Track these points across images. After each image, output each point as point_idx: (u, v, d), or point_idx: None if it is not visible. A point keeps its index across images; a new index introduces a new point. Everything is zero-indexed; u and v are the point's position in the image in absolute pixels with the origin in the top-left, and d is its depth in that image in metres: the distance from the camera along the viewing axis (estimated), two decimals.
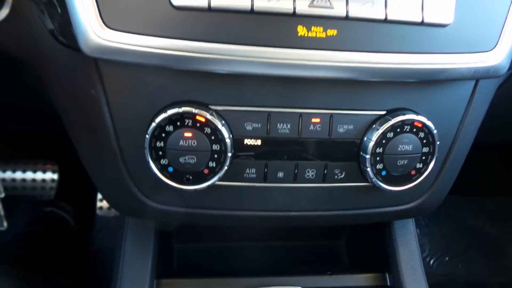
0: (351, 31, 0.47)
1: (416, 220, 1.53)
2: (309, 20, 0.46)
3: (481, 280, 1.46)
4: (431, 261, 1.49)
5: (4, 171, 1.37)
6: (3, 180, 1.36)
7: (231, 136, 0.52)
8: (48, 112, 0.87)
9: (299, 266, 0.78)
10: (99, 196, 1.33)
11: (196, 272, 0.73)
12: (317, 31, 0.46)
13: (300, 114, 0.53)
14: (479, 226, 1.56)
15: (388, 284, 0.75)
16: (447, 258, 1.50)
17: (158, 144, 0.51)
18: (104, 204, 1.40)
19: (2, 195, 0.63)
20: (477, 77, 0.53)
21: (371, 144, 0.54)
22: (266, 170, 0.56)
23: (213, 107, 0.52)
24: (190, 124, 0.50)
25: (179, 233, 0.86)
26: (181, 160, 0.51)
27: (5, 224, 0.67)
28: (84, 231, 1.49)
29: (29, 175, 1.38)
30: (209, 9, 0.44)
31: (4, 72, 0.66)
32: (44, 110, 0.85)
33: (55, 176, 1.41)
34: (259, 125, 0.53)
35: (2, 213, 0.65)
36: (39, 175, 1.40)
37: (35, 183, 1.40)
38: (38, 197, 1.41)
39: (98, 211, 1.38)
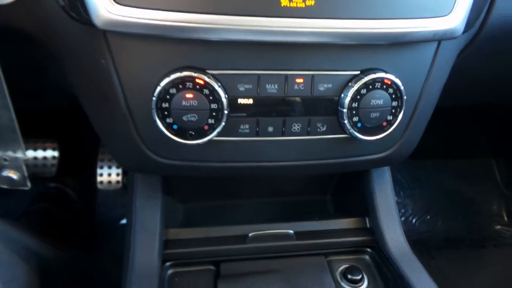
0: (327, 0, 0.53)
1: (398, 182, 1.62)
2: None
3: (458, 236, 1.56)
4: (413, 220, 1.59)
5: None
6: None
7: (226, 96, 0.58)
8: (52, 89, 0.93)
9: (290, 217, 0.86)
10: (99, 170, 1.38)
11: (201, 223, 0.80)
12: (298, 2, 0.52)
13: (286, 76, 0.59)
14: (457, 187, 1.66)
15: (368, 226, 0.83)
16: (428, 217, 1.60)
17: (163, 105, 0.56)
18: (104, 178, 1.46)
19: (25, 157, 0.69)
20: (436, 38, 0.60)
21: (348, 99, 0.60)
22: (257, 125, 0.61)
23: (210, 71, 0.57)
24: (191, 86, 0.56)
25: (181, 194, 0.93)
26: (184, 118, 0.57)
27: (28, 184, 0.74)
28: (86, 205, 1.54)
29: (30, 153, 1.41)
30: None
31: (16, 50, 0.71)
32: (50, 87, 0.91)
33: (56, 154, 1.44)
34: (250, 86, 0.59)
35: (26, 174, 0.72)
36: (39, 153, 1.44)
37: (36, 161, 1.44)
38: (39, 174, 1.45)
39: (98, 185, 1.43)
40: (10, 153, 0.68)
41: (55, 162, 1.46)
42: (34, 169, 1.45)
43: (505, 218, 1.63)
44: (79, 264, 1.15)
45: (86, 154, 1.45)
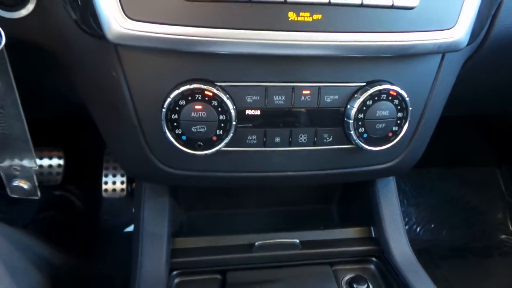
0: (334, 15, 0.54)
1: (402, 191, 1.62)
2: (298, 6, 0.52)
3: (463, 245, 1.55)
4: (418, 228, 1.58)
5: None
6: None
7: (234, 107, 0.58)
8: (60, 99, 0.94)
9: (296, 226, 0.87)
10: (104, 178, 1.39)
11: (207, 232, 0.80)
12: (305, 16, 0.53)
13: (293, 87, 0.60)
14: (461, 195, 1.64)
15: (373, 235, 0.84)
16: (432, 225, 1.59)
17: (173, 116, 0.57)
18: (109, 186, 1.47)
19: (36, 167, 0.71)
20: (441, 51, 0.60)
21: (354, 111, 0.61)
22: (265, 136, 0.62)
23: (218, 83, 0.58)
24: (200, 98, 0.56)
25: (187, 202, 0.94)
26: (193, 129, 0.58)
27: (38, 193, 0.75)
28: (91, 213, 1.55)
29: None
30: (215, 0, 0.51)
31: (28, 61, 0.73)
32: (58, 96, 0.92)
33: (61, 162, 1.45)
34: (258, 98, 0.59)
35: (37, 183, 0.73)
36: (45, 161, 1.45)
37: (42, 169, 1.45)
38: (45, 182, 1.46)
39: (103, 193, 1.44)
40: (21, 163, 0.69)
41: (60, 170, 1.48)
42: (40, 177, 1.46)
43: (510, 228, 1.62)
44: (85, 270, 1.15)
45: (91, 162, 1.46)
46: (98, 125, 0.68)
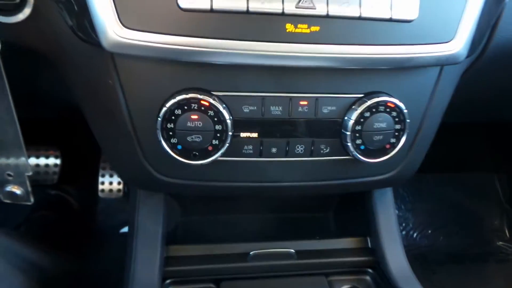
0: (331, 27, 0.53)
1: (400, 196, 1.61)
2: (296, 18, 0.52)
3: (460, 251, 1.54)
4: (415, 234, 1.57)
5: None
6: None
7: (231, 117, 0.58)
8: (56, 101, 0.93)
9: (292, 234, 0.86)
10: (101, 179, 1.39)
11: (202, 240, 0.80)
12: (303, 28, 0.52)
13: (290, 98, 0.60)
14: (458, 201, 1.64)
15: (369, 246, 0.83)
16: (429, 231, 1.58)
17: (168, 125, 0.57)
18: (106, 186, 1.46)
19: (30, 173, 0.70)
20: (439, 64, 0.60)
21: (351, 122, 0.60)
22: (261, 146, 0.62)
23: (215, 93, 0.57)
24: (196, 108, 0.56)
25: (183, 209, 0.93)
26: (189, 139, 0.57)
27: (31, 199, 0.74)
28: (87, 213, 1.54)
29: (32, 160, 1.41)
30: (211, 10, 0.50)
31: (23, 66, 0.72)
32: (53, 99, 0.91)
33: (58, 161, 1.45)
34: (255, 108, 0.59)
35: (30, 189, 0.72)
36: (42, 161, 1.44)
37: (38, 168, 1.44)
38: (41, 181, 1.45)
39: (100, 193, 1.44)
40: (14, 169, 0.68)
41: (57, 169, 1.47)
42: (36, 177, 1.45)
43: (507, 234, 1.61)
44: (78, 272, 1.15)
45: (88, 162, 1.45)
46: (92, 130, 0.68)
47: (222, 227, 0.93)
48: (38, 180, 1.45)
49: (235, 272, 0.76)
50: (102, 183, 1.46)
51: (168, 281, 0.74)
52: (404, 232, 1.57)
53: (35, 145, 1.45)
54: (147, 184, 0.69)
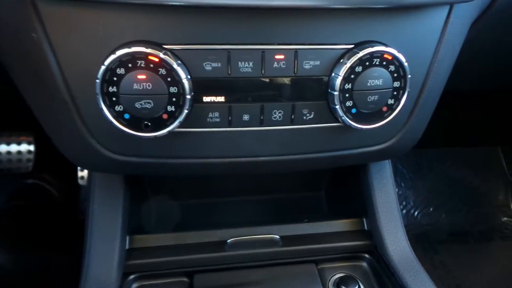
0: None
1: (399, 172, 1.56)
2: None
3: (463, 228, 1.52)
4: (416, 212, 1.55)
5: None
6: None
7: (189, 77, 0.49)
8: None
9: (279, 217, 0.78)
10: None
11: (174, 227, 0.73)
12: None
13: (263, 51, 0.50)
14: (461, 176, 1.60)
15: (366, 228, 0.76)
16: (431, 209, 1.55)
17: (110, 89, 0.48)
18: (85, 173, 1.38)
19: None
20: (448, 0, 0.50)
21: (339, 80, 0.52)
22: (230, 113, 0.53)
23: (167, 46, 0.49)
24: (143, 65, 0.47)
25: (155, 189, 0.85)
26: (137, 105, 0.48)
27: None
28: (68, 202, 1.47)
29: (3, 147, 1.34)
30: None
31: None
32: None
33: (31, 148, 1.37)
34: (219, 64, 0.50)
35: None
36: (13, 147, 1.36)
37: (11, 155, 1.37)
38: (15, 170, 1.38)
39: (79, 180, 1.36)
40: None
41: (31, 156, 1.42)
42: (9, 165, 1.39)
43: None
44: (52, 264, 1.11)
45: None
46: (27, 102, 0.57)
47: (195, 212, 0.86)
48: (12, 169, 1.38)
49: (211, 263, 0.69)
50: (82, 169, 1.38)
51: (132, 276, 0.67)
52: (404, 211, 1.54)
53: (6, 131, 1.39)
54: (96, 164, 0.59)
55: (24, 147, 1.39)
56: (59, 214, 1.45)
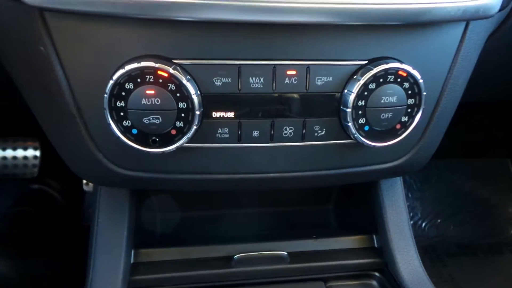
0: None
1: (407, 183, 1.55)
2: None
3: (472, 241, 1.50)
4: (423, 224, 1.53)
5: None
6: None
7: (198, 92, 0.48)
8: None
9: (286, 232, 0.77)
10: None
11: (179, 241, 0.72)
12: None
13: (274, 66, 0.50)
14: (470, 188, 1.59)
15: (376, 245, 0.75)
16: (439, 221, 1.53)
17: (118, 103, 0.47)
18: None
19: None
20: (466, 18, 0.49)
21: (352, 96, 0.51)
22: (239, 129, 0.52)
23: (177, 61, 0.48)
24: (151, 80, 0.46)
25: (161, 202, 0.84)
26: (145, 120, 0.48)
27: None
28: (73, 208, 1.47)
29: (9, 153, 1.35)
30: None
31: None
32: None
33: (37, 153, 1.38)
34: (229, 80, 0.49)
35: None
36: (20, 153, 1.37)
37: (16, 161, 1.38)
38: (20, 175, 1.39)
39: (84, 187, 1.36)
40: None
41: (36, 162, 1.42)
42: (14, 170, 1.40)
43: None
44: (57, 271, 1.11)
45: None
46: (35, 115, 0.57)
47: (202, 225, 0.85)
48: (17, 174, 1.39)
49: (217, 279, 0.68)
50: None
51: None
52: (412, 222, 1.53)
53: (12, 136, 1.40)
54: (102, 178, 0.58)
55: (30, 153, 1.39)
56: (64, 219, 1.45)
